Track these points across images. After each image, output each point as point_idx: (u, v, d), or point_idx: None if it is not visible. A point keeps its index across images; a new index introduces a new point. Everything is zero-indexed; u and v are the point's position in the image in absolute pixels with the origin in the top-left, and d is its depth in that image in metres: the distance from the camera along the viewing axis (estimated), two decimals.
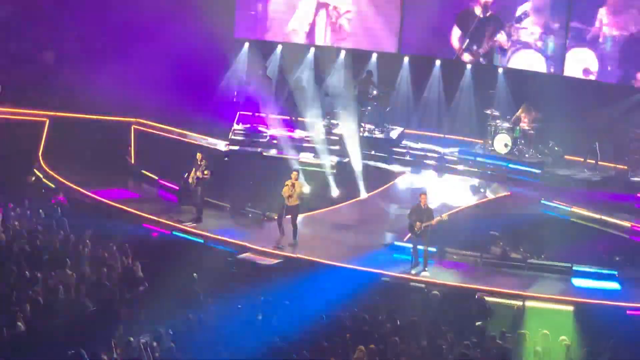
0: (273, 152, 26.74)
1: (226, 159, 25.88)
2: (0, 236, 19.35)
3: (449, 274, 20.73)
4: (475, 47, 28.54)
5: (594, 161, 25.74)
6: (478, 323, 17.70)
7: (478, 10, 28.28)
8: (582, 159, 26.16)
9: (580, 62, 27.42)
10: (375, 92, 27.66)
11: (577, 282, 20.69)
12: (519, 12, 27.90)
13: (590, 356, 16.61)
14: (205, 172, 22.16)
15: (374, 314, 17.54)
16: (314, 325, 16.62)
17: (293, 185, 21.12)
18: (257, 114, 27.80)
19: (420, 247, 20.55)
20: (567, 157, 26.38)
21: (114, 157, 25.83)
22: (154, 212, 22.69)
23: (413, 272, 20.44)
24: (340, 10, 29.36)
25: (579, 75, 27.49)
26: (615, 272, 20.81)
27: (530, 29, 27.93)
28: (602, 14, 26.97)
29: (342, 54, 29.62)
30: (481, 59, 28.64)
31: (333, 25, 29.43)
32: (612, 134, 26.09)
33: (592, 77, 27.38)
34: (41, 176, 24.28)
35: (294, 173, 21.32)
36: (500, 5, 28.27)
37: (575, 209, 23.50)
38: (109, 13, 27.67)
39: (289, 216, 21.40)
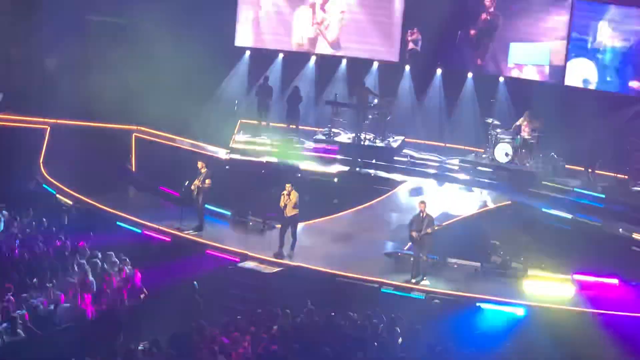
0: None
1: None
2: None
3: (450, 282, 20.73)
4: (478, 57, 28.55)
5: (591, 170, 25.84)
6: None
7: (481, 19, 28.30)
8: (582, 168, 26.21)
9: (580, 73, 27.45)
10: (376, 101, 27.69)
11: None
12: None
13: None
14: (207, 180, 22.18)
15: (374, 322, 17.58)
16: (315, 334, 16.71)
17: (288, 195, 21.17)
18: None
19: (421, 255, 20.54)
20: (567, 166, 26.35)
21: (115, 164, 25.83)
22: (154, 219, 22.68)
23: (413, 281, 20.43)
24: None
25: (579, 85, 27.53)
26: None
27: None
28: (602, 25, 27.02)
29: (343, 62, 29.65)
30: (484, 69, 28.65)
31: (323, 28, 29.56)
32: (613, 143, 26.07)
33: (592, 87, 27.42)
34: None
35: (288, 185, 21.33)
36: (502, 15, 28.28)
37: (577, 218, 23.51)
38: (111, 19, 27.69)
39: (289, 227, 21.44)
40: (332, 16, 29.41)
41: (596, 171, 25.93)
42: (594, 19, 27.14)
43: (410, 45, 28.76)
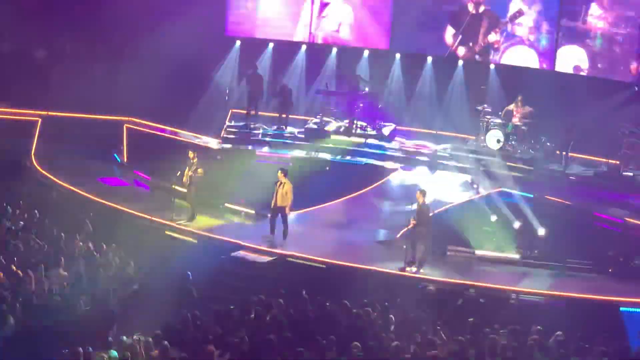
0: (265, 149, 26.73)
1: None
2: None
3: (443, 270, 20.76)
4: (470, 44, 28.54)
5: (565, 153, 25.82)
6: (471, 319, 17.77)
7: (471, 7, 28.30)
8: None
9: (571, 59, 27.45)
10: (366, 89, 27.68)
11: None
12: (511, 9, 27.91)
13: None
14: (199, 170, 22.15)
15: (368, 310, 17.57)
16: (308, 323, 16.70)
17: (281, 184, 21.20)
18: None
19: (415, 243, 20.54)
20: (559, 152, 26.35)
21: (107, 155, 25.79)
22: (147, 209, 22.65)
23: (408, 268, 20.44)
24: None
25: (570, 72, 27.54)
26: None
27: (522, 25, 27.96)
28: (593, 10, 27.01)
29: (334, 51, 29.62)
30: (476, 56, 28.65)
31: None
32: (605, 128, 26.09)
33: (583, 74, 27.42)
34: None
35: (279, 172, 21.35)
36: (493, 1, 28.28)
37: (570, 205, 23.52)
38: (100, 11, 27.57)
39: (278, 215, 21.45)
40: (334, 9, 29.37)
41: (570, 154, 25.86)
42: (585, 4, 27.13)
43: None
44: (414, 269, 20.44)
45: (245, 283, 19.71)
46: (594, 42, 27.20)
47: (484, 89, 28.05)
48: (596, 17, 26.94)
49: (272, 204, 21.37)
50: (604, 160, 26.19)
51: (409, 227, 20.41)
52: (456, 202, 24.02)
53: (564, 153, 25.66)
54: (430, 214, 20.55)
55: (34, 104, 26.55)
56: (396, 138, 27.70)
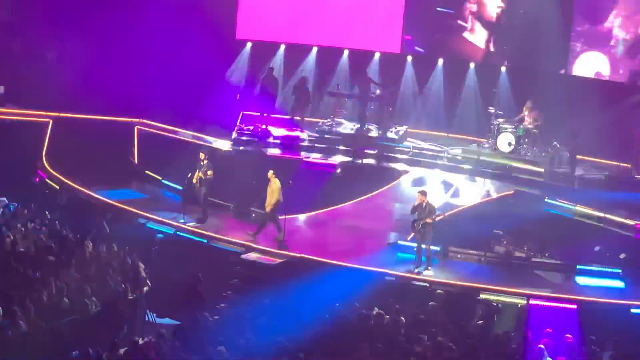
0: (276, 151, 26.68)
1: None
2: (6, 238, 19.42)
3: (453, 272, 20.74)
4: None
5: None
6: (480, 322, 17.80)
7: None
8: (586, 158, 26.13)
9: (593, 65, 27.30)
10: (378, 92, 27.65)
11: (581, 280, 20.76)
12: None
13: (593, 354, 16.64)
14: (209, 172, 22.18)
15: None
16: (319, 325, 16.70)
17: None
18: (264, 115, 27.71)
19: (423, 245, 20.55)
20: (570, 156, 26.25)
21: (118, 157, 25.82)
22: (157, 211, 22.69)
23: (416, 271, 20.44)
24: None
25: (584, 76, 27.41)
26: (619, 271, 20.86)
27: None
28: (614, 17, 26.90)
29: (345, 53, 29.59)
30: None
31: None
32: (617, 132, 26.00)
33: (606, 79, 27.27)
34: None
35: (270, 171, 21.59)
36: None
37: (579, 207, 23.40)
38: (111, 12, 27.59)
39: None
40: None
41: (578, 157, 25.76)
42: (605, 9, 27.02)
43: None
44: (421, 269, 20.48)
45: (254, 285, 19.72)
46: (615, 48, 27.07)
47: (495, 91, 27.99)
48: (617, 24, 26.81)
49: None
50: (615, 163, 26.10)
51: (416, 227, 20.45)
52: (468, 205, 23.99)
53: (571, 156, 25.60)
54: (437, 216, 20.51)
55: (45, 105, 26.58)
56: (408, 140, 27.63)
